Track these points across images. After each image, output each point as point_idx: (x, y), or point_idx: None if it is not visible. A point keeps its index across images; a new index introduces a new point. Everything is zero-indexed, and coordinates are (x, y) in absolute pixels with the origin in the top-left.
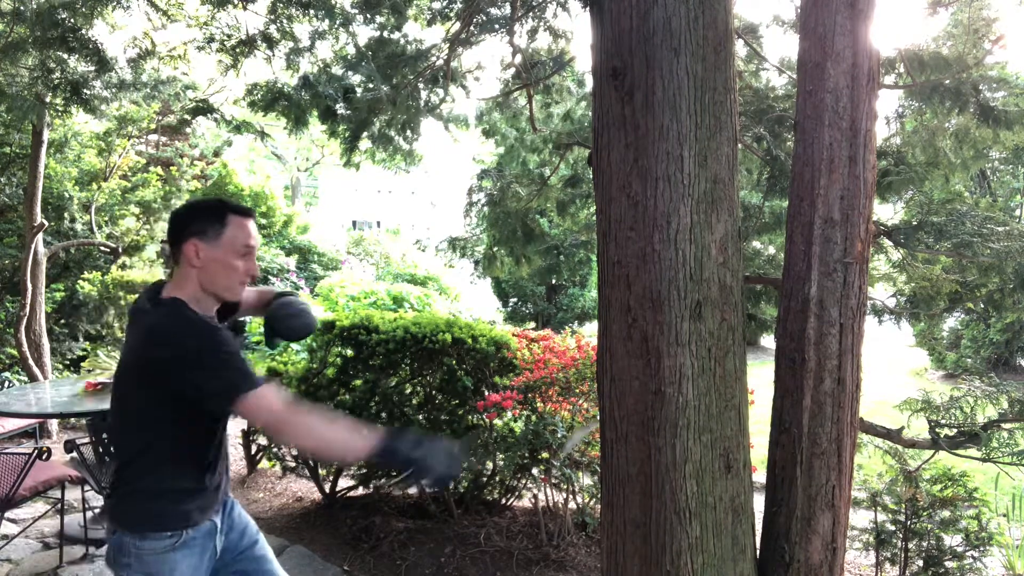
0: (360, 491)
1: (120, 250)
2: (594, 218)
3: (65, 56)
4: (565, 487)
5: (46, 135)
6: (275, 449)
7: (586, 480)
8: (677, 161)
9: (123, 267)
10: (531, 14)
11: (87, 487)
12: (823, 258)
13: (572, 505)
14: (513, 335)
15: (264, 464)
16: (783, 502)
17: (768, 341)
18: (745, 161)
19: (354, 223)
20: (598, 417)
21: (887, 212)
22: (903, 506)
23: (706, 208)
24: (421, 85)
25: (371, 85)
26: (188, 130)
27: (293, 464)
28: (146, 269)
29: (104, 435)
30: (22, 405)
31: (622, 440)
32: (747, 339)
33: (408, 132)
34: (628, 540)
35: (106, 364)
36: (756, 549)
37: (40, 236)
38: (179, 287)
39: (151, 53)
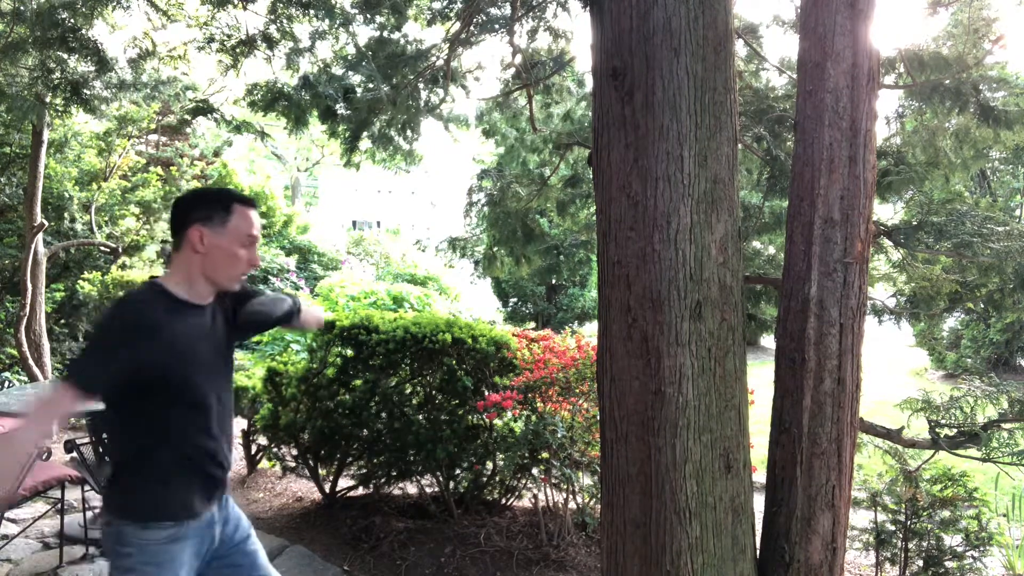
0: (360, 491)
1: (120, 250)
2: (594, 218)
3: (65, 56)
4: (565, 487)
5: (46, 135)
6: (275, 449)
7: (586, 480)
8: (677, 161)
9: (123, 267)
10: (531, 14)
11: (87, 487)
12: (823, 258)
13: (572, 505)
14: (513, 335)
15: (264, 464)
16: (783, 502)
17: (768, 341)
18: (745, 161)
19: (354, 223)
20: (598, 417)
21: (887, 212)
22: (903, 506)
23: (706, 208)
24: (421, 85)
25: (371, 85)
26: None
27: (293, 464)
28: (146, 269)
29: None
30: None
31: (622, 440)
32: (747, 339)
33: (408, 132)
34: (628, 540)
35: None
36: (756, 549)
37: (40, 236)
38: (172, 272)
39: (151, 53)
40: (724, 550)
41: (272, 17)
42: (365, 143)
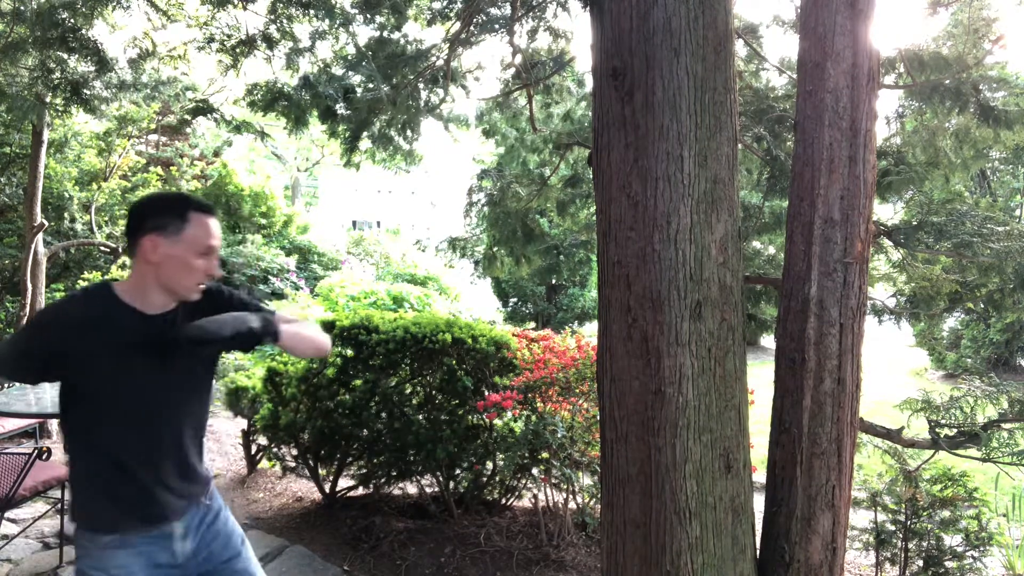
0: (360, 491)
1: (120, 250)
2: (594, 218)
3: (65, 56)
4: (565, 487)
5: (46, 135)
6: (275, 449)
7: (586, 480)
8: (677, 161)
9: (123, 267)
10: (531, 14)
11: None
12: (823, 258)
13: (572, 505)
14: (513, 335)
15: (264, 464)
16: (783, 502)
17: (768, 341)
18: (745, 161)
19: (354, 223)
20: (598, 417)
21: (887, 212)
22: (903, 506)
23: (706, 208)
24: (421, 85)
25: (371, 85)
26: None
27: (293, 464)
28: None
29: None
30: (22, 405)
31: (622, 440)
32: (747, 339)
33: (408, 132)
34: (628, 540)
35: None
36: (756, 549)
37: (40, 236)
38: (129, 277)
39: (151, 53)
40: (724, 550)
41: (272, 17)
42: (365, 143)
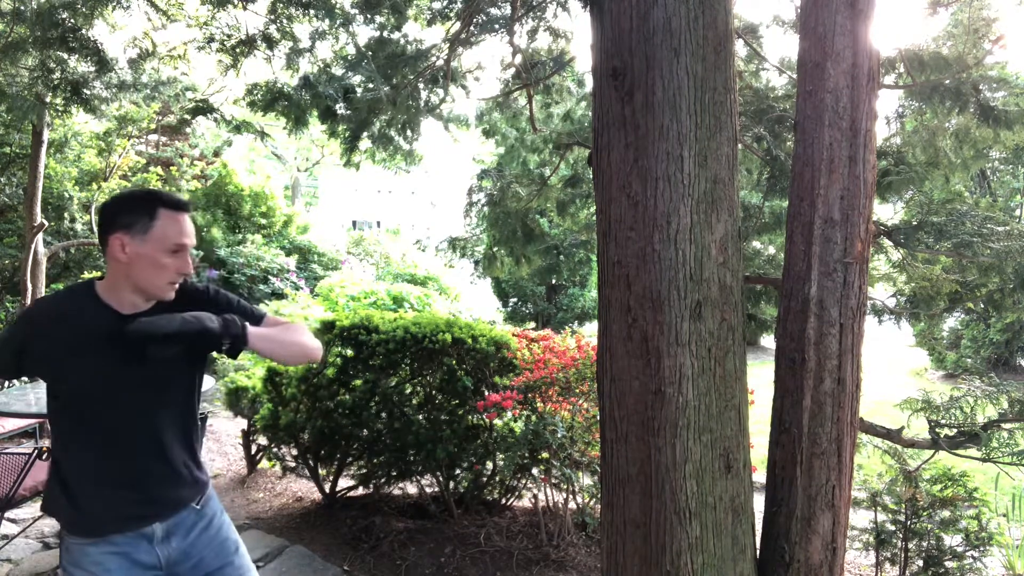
0: (360, 491)
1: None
2: (594, 218)
3: (65, 56)
4: (565, 487)
5: (46, 135)
6: (275, 449)
7: (586, 480)
8: (677, 161)
9: None
10: (531, 14)
11: None
12: (823, 258)
13: (572, 505)
14: (513, 335)
15: (264, 464)
16: (783, 502)
17: (768, 341)
18: (745, 161)
19: (354, 223)
20: (598, 417)
21: (887, 212)
22: (903, 506)
23: (706, 208)
24: (421, 85)
25: (371, 85)
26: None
27: (293, 464)
28: None
29: None
30: (22, 405)
31: (622, 440)
32: (747, 339)
33: (408, 132)
34: (628, 540)
35: None
36: (756, 549)
37: (40, 236)
38: (106, 277)
39: (151, 53)
40: (724, 550)
41: (272, 17)
42: (365, 143)
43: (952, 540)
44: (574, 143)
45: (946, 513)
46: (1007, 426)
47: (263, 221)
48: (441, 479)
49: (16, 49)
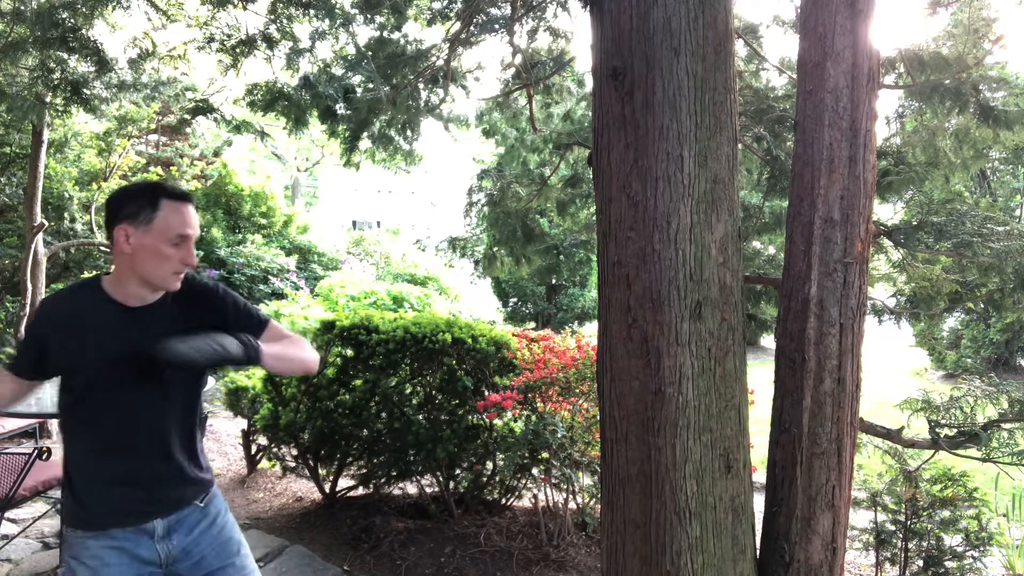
0: (360, 491)
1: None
2: (594, 218)
3: (65, 56)
4: (565, 487)
5: (46, 135)
6: (275, 449)
7: (586, 480)
8: (677, 161)
9: None
10: (531, 14)
11: None
12: (823, 258)
13: (572, 505)
14: (513, 335)
15: (264, 464)
16: (783, 502)
17: (768, 341)
18: (745, 161)
19: (354, 223)
20: (598, 417)
21: (887, 212)
22: (903, 506)
23: (706, 208)
24: (421, 85)
25: (371, 85)
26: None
27: (293, 464)
28: None
29: None
30: (22, 405)
31: (622, 440)
32: (747, 339)
33: (408, 132)
34: (628, 540)
35: None
36: (756, 549)
37: (40, 236)
38: (113, 271)
39: (151, 53)
40: (724, 550)
41: (272, 17)
42: (365, 143)
43: (952, 540)
44: (574, 143)
45: (946, 513)
46: (1007, 426)
47: (263, 221)
48: (441, 479)
49: (16, 49)
